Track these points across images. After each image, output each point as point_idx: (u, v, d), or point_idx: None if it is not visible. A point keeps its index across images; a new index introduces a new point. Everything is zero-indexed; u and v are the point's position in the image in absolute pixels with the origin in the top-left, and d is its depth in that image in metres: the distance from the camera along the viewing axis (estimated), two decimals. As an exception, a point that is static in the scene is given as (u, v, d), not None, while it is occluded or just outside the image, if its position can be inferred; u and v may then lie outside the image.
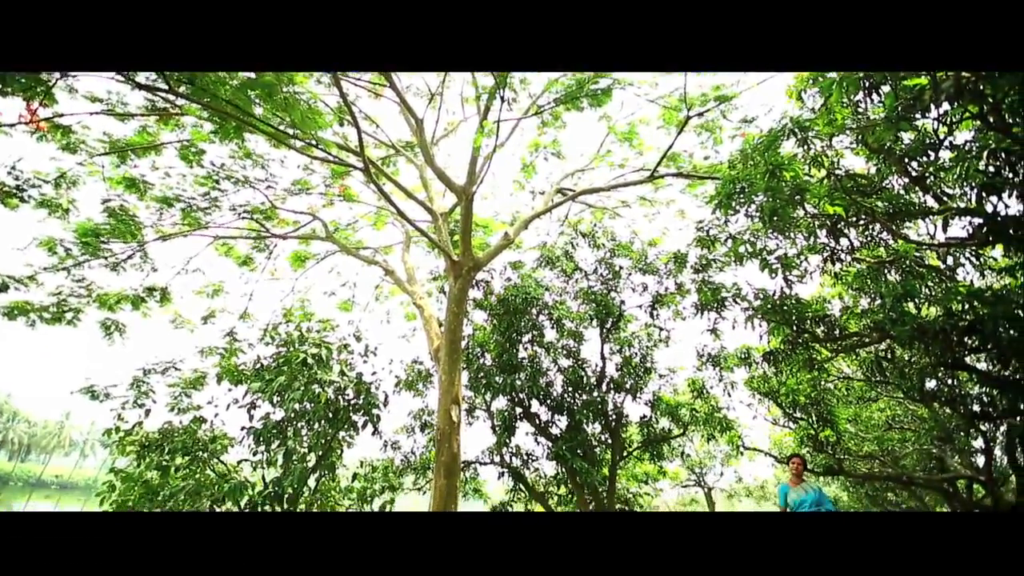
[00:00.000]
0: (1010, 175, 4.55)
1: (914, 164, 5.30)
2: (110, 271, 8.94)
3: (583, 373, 10.67)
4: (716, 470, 18.32)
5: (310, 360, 7.00)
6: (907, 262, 5.84)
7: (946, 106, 4.69)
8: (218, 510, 6.67)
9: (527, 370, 10.34)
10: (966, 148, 4.72)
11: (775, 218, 5.58)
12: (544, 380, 10.58)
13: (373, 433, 7.48)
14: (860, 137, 5.17)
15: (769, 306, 6.69)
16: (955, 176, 4.62)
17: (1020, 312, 5.21)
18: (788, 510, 5.57)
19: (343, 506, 8.13)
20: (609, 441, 10.52)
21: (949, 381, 8.03)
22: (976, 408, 7.60)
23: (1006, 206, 4.83)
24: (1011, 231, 4.83)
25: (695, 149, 10.09)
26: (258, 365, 7.49)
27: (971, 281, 6.10)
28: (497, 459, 10.77)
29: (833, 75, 4.64)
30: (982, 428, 9.31)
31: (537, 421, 10.57)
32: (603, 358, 10.74)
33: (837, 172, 5.57)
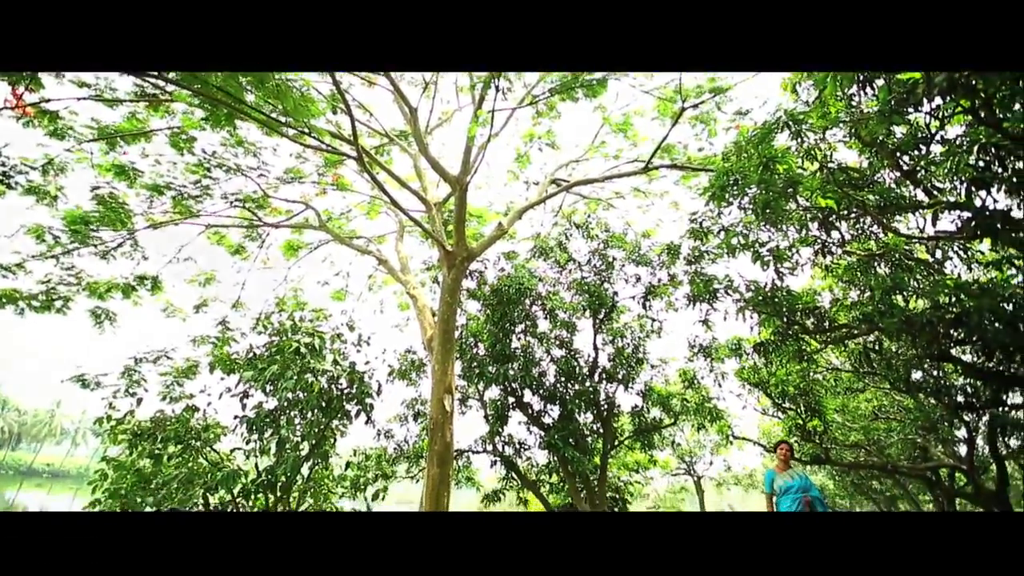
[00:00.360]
0: (999, 169, 4.60)
1: (905, 158, 5.35)
2: (100, 259, 8.84)
3: (576, 363, 10.74)
4: (706, 459, 18.57)
5: (303, 349, 7.00)
6: (896, 255, 5.90)
7: (939, 100, 4.73)
8: (211, 498, 6.69)
9: (520, 360, 10.40)
10: (957, 142, 4.77)
11: (768, 210, 5.62)
12: (537, 370, 10.65)
13: (366, 422, 7.51)
14: (853, 130, 5.20)
15: (760, 298, 6.75)
16: (945, 170, 4.66)
17: (1005, 305, 5.30)
18: (775, 496, 5.64)
19: (336, 494, 8.17)
20: (601, 430, 10.62)
21: (935, 372, 8.17)
22: (960, 399, 7.75)
23: (994, 200, 4.89)
24: (999, 225, 4.89)
25: (689, 141, 10.09)
26: (251, 354, 7.47)
27: (958, 274, 6.19)
28: (490, 448, 10.85)
29: (827, 68, 4.65)
30: (965, 418, 9.50)
31: (530, 410, 10.64)
32: (596, 348, 10.81)
33: (830, 165, 5.61)
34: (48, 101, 6.95)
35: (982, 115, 4.45)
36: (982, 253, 6.50)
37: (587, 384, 10.57)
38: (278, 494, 6.71)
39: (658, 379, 11.01)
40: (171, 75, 5.54)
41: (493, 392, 10.78)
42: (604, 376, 10.74)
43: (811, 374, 9.89)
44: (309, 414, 7.04)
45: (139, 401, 7.30)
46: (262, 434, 6.85)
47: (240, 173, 9.25)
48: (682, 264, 9.38)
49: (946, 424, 10.30)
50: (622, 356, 10.59)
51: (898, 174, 5.46)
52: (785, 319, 6.80)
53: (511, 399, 10.57)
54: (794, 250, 6.44)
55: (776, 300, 6.67)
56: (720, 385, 10.16)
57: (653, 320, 10.72)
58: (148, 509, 6.48)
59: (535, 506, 12.58)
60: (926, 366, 8.03)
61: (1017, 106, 4.33)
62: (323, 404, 7.02)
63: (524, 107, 9.40)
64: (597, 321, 10.77)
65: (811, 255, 6.47)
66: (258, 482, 6.57)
